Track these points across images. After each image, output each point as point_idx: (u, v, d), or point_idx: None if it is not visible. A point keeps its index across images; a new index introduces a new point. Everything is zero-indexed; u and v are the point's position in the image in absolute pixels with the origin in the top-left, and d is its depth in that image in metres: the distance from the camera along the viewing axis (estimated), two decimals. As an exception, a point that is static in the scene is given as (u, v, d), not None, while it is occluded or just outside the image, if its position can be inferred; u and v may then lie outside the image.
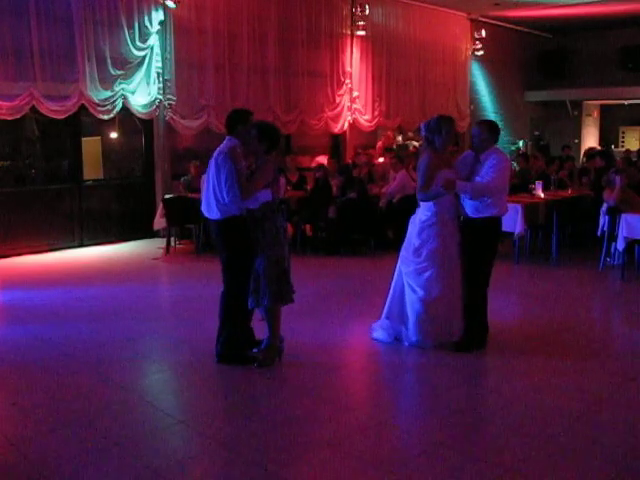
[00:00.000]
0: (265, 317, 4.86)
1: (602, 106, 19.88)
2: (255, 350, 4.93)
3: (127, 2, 9.64)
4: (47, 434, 3.87)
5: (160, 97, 10.19)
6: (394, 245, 6.80)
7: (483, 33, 15.34)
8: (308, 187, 10.48)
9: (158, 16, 10.03)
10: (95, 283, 7.74)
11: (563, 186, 10.19)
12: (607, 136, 19.75)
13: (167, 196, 9.81)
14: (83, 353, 5.26)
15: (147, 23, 9.89)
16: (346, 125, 13.15)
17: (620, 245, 7.71)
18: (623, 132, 19.87)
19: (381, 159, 12.75)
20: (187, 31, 10.43)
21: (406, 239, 5.39)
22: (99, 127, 10.80)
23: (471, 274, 5.20)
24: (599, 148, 17.30)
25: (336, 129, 12.96)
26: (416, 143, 13.96)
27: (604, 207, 8.23)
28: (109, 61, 9.47)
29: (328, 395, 4.45)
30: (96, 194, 10.27)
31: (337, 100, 12.84)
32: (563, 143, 15.41)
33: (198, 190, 9.47)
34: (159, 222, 9.82)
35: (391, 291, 5.45)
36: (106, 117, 9.59)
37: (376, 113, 13.60)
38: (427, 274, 5.18)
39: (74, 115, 9.39)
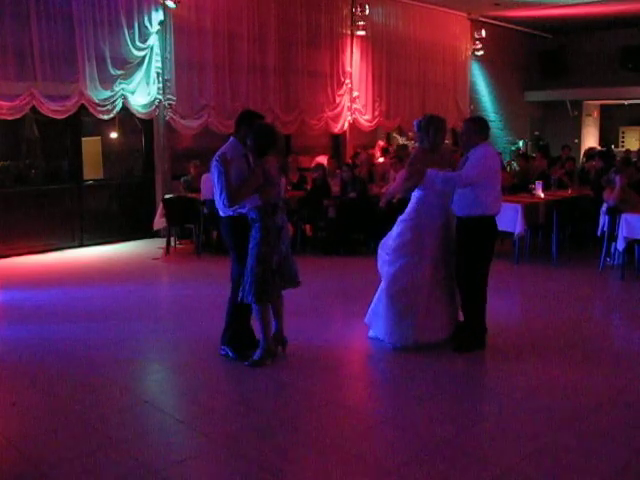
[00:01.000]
0: (255, 317, 4.89)
1: (602, 106, 19.88)
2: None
3: (127, 2, 9.65)
4: (47, 434, 3.87)
5: (160, 97, 10.19)
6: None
7: (483, 33, 15.35)
8: (308, 187, 10.48)
9: (158, 16, 10.03)
10: (95, 283, 7.74)
11: (563, 186, 10.20)
12: (607, 136, 19.75)
13: (167, 196, 9.81)
14: (83, 353, 5.26)
15: (147, 23, 9.90)
16: (346, 125, 13.15)
17: (620, 245, 7.70)
18: (623, 132, 19.87)
19: (381, 159, 12.75)
20: (187, 31, 10.43)
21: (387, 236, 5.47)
22: (99, 127, 10.80)
23: (465, 274, 5.20)
24: (599, 148, 17.31)
25: (336, 129, 12.96)
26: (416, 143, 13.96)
27: (604, 207, 8.23)
28: (109, 61, 9.48)
29: (328, 395, 4.45)
30: (96, 194, 10.27)
31: (337, 100, 12.85)
32: (563, 143, 15.40)
33: (198, 190, 9.49)
34: (159, 222, 9.82)
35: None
36: (106, 117, 9.59)
37: (376, 113, 13.61)
38: (396, 265, 5.23)
39: (74, 115, 9.39)
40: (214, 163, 4.77)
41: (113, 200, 10.47)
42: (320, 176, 9.91)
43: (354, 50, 13.14)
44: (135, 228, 10.49)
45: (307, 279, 7.94)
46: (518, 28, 17.19)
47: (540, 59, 18.34)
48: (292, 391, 4.56)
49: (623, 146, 18.70)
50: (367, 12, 12.83)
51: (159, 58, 10.15)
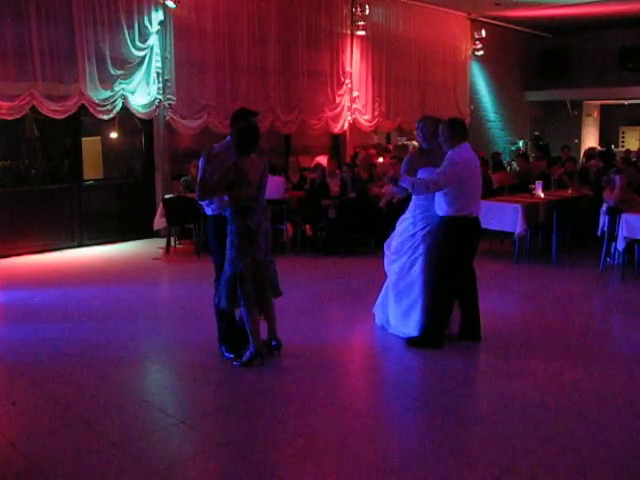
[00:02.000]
0: (244, 319, 4.87)
1: (602, 106, 19.88)
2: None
3: (127, 2, 9.65)
4: (47, 434, 3.87)
5: (160, 97, 10.19)
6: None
7: (483, 33, 15.35)
8: (308, 187, 10.48)
9: (158, 16, 10.03)
10: (95, 283, 7.73)
11: (563, 186, 10.20)
12: (607, 136, 19.75)
13: (167, 196, 9.80)
14: (83, 353, 5.26)
15: (147, 23, 9.90)
16: (346, 125, 13.16)
17: (620, 245, 7.70)
18: (623, 132, 19.87)
19: (381, 159, 12.75)
20: (187, 31, 10.43)
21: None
22: (99, 127, 10.79)
23: (434, 272, 5.25)
24: (599, 148, 17.30)
25: (336, 129, 12.96)
26: (415, 143, 13.96)
27: (604, 207, 8.23)
28: (109, 61, 9.48)
29: (328, 395, 4.45)
30: (96, 194, 10.27)
31: (337, 100, 12.85)
32: (563, 143, 15.40)
33: (198, 190, 9.47)
34: (159, 222, 9.82)
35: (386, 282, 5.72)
36: (106, 117, 9.59)
37: (376, 113, 13.61)
38: (399, 263, 5.46)
39: (74, 115, 9.40)
40: (200, 158, 4.85)
41: (113, 200, 10.47)
42: (319, 177, 9.91)
43: (354, 50, 13.15)
44: (135, 228, 10.50)
45: (307, 279, 7.93)
46: (518, 28, 17.19)
47: (540, 59, 18.35)
48: (292, 391, 4.56)
49: (623, 146, 18.71)
50: (367, 12, 12.84)
51: (159, 58, 10.15)
